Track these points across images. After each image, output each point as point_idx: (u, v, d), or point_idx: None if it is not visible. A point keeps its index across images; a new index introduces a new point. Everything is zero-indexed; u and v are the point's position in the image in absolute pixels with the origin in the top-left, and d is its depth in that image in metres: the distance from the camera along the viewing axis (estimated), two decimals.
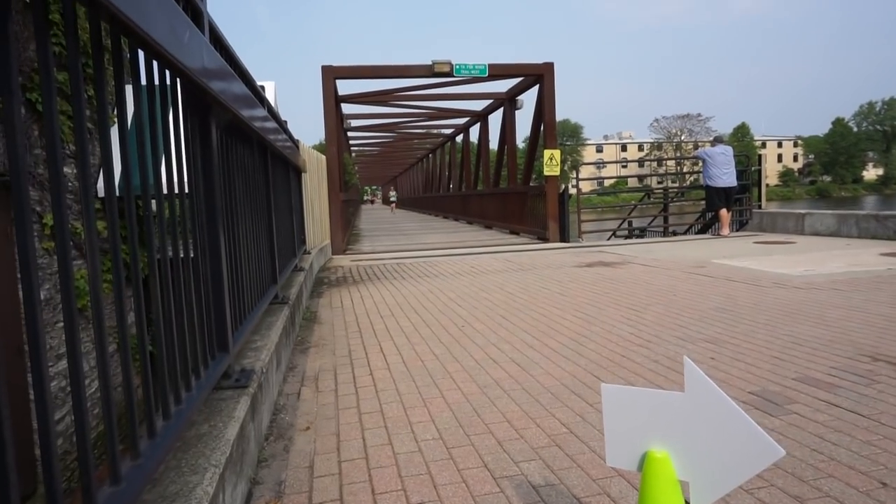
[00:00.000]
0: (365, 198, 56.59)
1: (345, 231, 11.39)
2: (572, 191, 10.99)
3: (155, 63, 1.49)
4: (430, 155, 28.16)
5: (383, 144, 27.79)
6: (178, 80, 1.72)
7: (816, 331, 3.51)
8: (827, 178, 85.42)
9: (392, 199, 37.99)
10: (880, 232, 8.38)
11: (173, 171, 1.70)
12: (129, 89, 1.40)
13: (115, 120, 1.40)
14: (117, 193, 1.31)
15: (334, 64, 10.62)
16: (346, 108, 15.32)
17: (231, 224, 2.40)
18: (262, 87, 3.70)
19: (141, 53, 1.40)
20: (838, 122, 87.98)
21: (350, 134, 20.09)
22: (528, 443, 2.15)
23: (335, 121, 10.94)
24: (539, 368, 3.02)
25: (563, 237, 10.54)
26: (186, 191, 1.83)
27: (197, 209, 1.93)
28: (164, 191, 1.63)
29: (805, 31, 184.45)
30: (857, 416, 2.25)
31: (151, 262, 1.46)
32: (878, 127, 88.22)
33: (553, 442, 2.14)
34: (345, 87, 12.19)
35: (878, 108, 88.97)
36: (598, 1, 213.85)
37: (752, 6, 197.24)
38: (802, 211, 10.14)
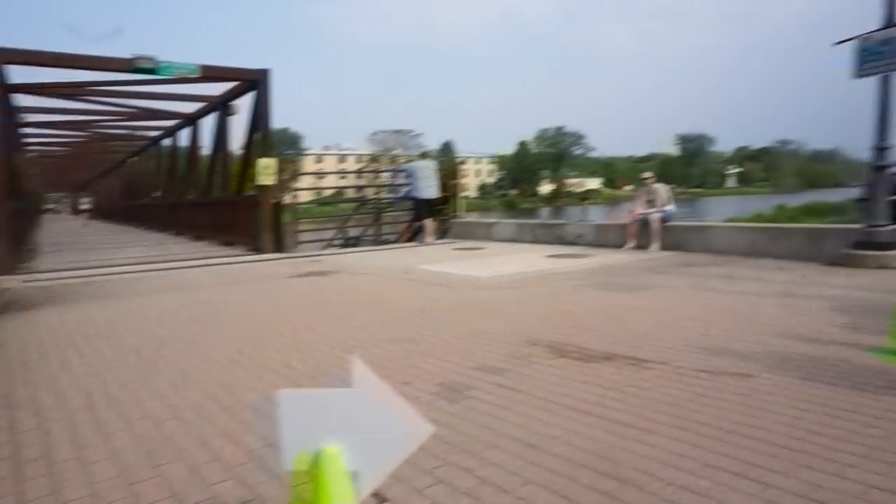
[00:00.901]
0: (49, 206, 48.03)
1: (15, 246, 9.52)
2: (289, 200, 10.92)
3: None
4: (133, 158, 25.20)
5: (74, 145, 23.95)
6: None
7: (496, 324, 4.08)
8: (514, 192, 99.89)
9: (84, 207, 32.72)
10: (548, 238, 10.10)
11: None
12: None
13: None
14: None
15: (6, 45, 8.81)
16: (24, 101, 12.80)
17: None
18: None
19: None
20: (522, 144, 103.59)
21: (29, 131, 16.87)
22: (224, 463, 2.08)
23: (2, 114, 9.09)
24: (243, 386, 2.94)
25: (279, 247, 10.41)
26: None
27: None
28: None
29: (507, 60, 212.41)
30: (516, 392, 2.68)
31: None
32: (551, 150, 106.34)
33: (251, 458, 2.11)
34: (21, 75, 10.20)
35: (550, 134, 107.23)
36: (325, 16, 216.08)
37: (461, 36, 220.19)
38: (490, 221, 11.69)
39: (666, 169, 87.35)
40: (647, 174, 9.12)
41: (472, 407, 2.53)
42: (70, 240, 16.81)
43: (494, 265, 7.30)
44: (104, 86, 11.75)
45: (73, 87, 11.91)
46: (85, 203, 32.88)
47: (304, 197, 13.26)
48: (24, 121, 14.97)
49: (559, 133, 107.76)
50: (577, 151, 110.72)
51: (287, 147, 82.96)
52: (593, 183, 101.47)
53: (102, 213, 34.06)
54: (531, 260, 7.74)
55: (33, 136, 19.13)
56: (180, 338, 3.98)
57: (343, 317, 4.48)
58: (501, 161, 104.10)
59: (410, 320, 4.29)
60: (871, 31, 6.10)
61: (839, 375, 2.75)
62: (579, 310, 4.47)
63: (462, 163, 14.49)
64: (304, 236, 11.29)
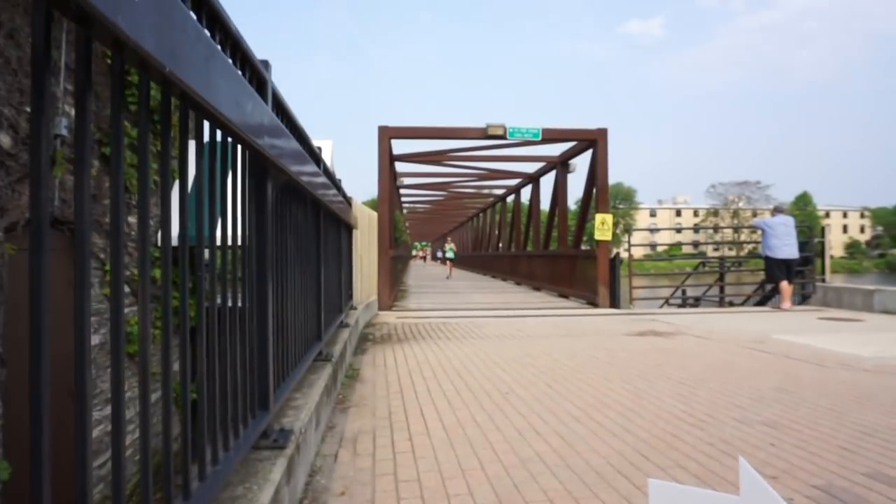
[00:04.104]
0: (414, 253, 56.97)
1: (392, 288, 11.47)
2: (624, 255, 10.81)
3: (219, 132, 1.56)
4: (481, 214, 28.35)
5: (435, 202, 28.17)
6: (238, 145, 1.79)
7: (891, 421, 3.25)
8: None
9: (446, 255, 28.12)
10: None
11: (228, 225, 1.76)
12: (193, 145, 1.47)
13: (177, 176, 1.46)
14: (174, 243, 1.35)
15: (390, 124, 10.98)
16: (400, 167, 15.72)
17: (280, 278, 2.44)
18: (319, 148, 3.83)
19: (206, 124, 1.47)
20: None
21: (402, 190, 20.52)
22: None
23: (388, 179, 11.21)
24: (584, 444, 2.89)
25: (614, 303, 10.31)
26: (240, 243, 1.88)
27: (248, 261, 1.96)
28: (218, 242, 1.67)
29: (872, 101, 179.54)
30: None
31: (200, 311, 1.48)
32: None
33: None
34: (399, 146, 12.53)
35: None
36: (660, 65, 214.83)
37: (816, 75, 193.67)
38: (871, 287, 9.63)
39: None
40: None
41: None
42: (430, 283, 19.56)
43: (881, 343, 5.93)
44: (460, 151, 13.58)
45: (437, 155, 14.04)
46: (448, 248, 29.75)
47: (638, 252, 12.99)
48: (401, 183, 18.20)
49: None
50: None
51: (621, 201, 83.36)
52: None
53: (456, 261, 38.88)
54: None
55: (406, 196, 23.10)
56: (523, 385, 4.17)
57: (686, 385, 4.13)
58: (877, 214, 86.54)
59: (768, 400, 3.71)
60: None
61: None
62: None
63: (825, 216, 12.42)
64: (638, 293, 11.00)
